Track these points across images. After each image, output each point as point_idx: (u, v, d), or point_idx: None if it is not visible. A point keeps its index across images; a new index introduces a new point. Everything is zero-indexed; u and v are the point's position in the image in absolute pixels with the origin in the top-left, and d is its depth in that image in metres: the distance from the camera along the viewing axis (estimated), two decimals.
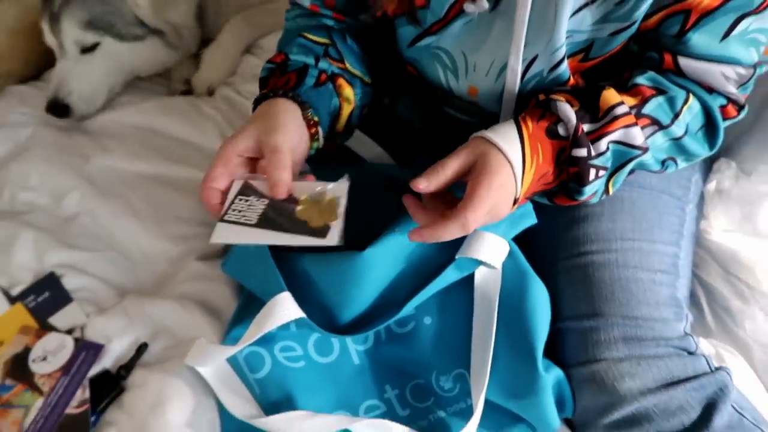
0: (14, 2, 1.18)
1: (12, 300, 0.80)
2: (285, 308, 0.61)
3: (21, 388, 0.71)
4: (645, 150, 0.58)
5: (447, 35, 0.65)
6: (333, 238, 0.54)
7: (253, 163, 0.61)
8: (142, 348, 0.73)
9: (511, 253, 0.65)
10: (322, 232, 0.55)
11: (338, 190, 0.59)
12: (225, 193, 0.60)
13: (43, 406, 0.69)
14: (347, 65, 0.70)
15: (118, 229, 0.87)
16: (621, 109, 0.57)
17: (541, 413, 0.62)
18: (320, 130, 0.64)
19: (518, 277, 0.65)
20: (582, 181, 0.57)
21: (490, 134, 0.55)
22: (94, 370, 0.72)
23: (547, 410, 0.61)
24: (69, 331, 0.75)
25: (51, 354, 0.73)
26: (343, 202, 0.58)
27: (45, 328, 0.76)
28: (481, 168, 0.53)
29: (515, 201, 0.57)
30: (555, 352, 0.65)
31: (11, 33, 1.16)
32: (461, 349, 0.66)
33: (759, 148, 0.79)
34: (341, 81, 0.68)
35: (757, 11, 0.54)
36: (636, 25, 0.58)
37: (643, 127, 0.58)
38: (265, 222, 0.55)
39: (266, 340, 0.67)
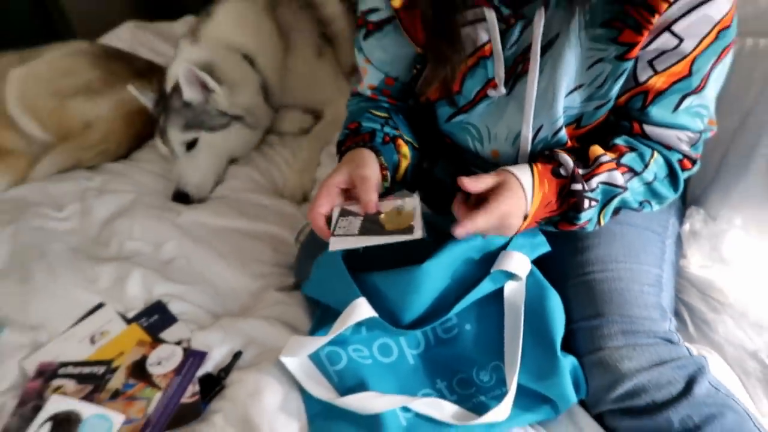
0: (110, 97, 1.45)
1: (128, 321, 0.99)
2: (361, 310, 0.80)
3: (142, 385, 0.89)
4: (625, 189, 0.79)
5: (474, 113, 0.88)
6: (418, 232, 0.74)
7: (346, 193, 0.82)
8: (237, 355, 0.91)
9: (532, 272, 0.85)
10: (409, 230, 0.74)
11: (411, 202, 0.79)
12: (327, 216, 0.80)
13: (162, 398, 0.86)
14: (402, 133, 0.93)
15: (209, 269, 1.07)
16: (605, 158, 0.79)
17: (562, 390, 0.79)
18: (388, 174, 0.86)
19: (538, 289, 0.85)
20: (578, 208, 0.78)
21: (511, 168, 0.78)
22: (200, 373, 0.89)
23: (566, 387, 0.78)
24: (177, 343, 0.94)
25: (164, 360, 0.91)
26: (418, 209, 0.78)
27: (157, 341, 0.95)
28: (501, 186, 0.75)
29: (525, 217, 0.78)
30: (569, 346, 0.83)
31: (108, 121, 1.43)
32: (496, 346, 0.84)
33: (720, 197, 1.01)
34: (400, 141, 0.91)
35: (695, 92, 0.78)
36: (612, 102, 0.81)
37: (622, 173, 0.80)
38: (364, 231, 0.75)
39: (340, 343, 0.85)
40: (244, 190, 1.27)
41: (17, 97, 1.41)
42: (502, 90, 0.82)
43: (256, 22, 1.41)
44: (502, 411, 0.78)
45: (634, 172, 0.81)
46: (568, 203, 0.80)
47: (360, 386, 0.82)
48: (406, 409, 0.81)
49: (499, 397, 0.81)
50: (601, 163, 0.79)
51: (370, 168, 0.80)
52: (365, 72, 0.95)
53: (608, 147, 0.82)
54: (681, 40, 0.72)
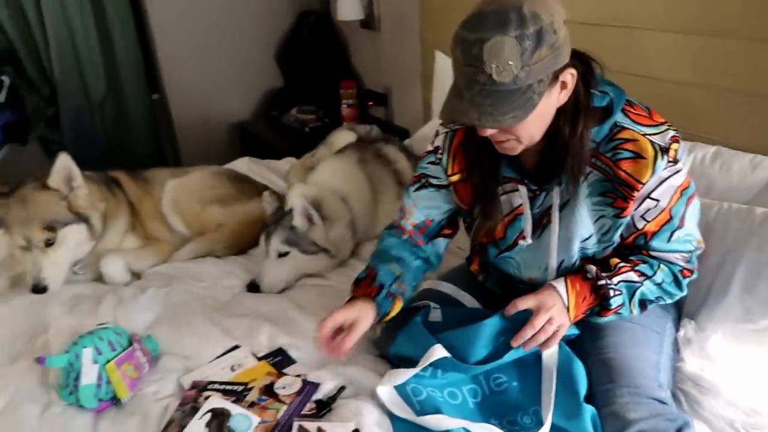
0: (239, 208, 1.90)
1: (258, 359, 1.32)
2: (438, 351, 1.14)
3: (271, 401, 1.20)
4: (641, 283, 1.15)
5: (514, 252, 1.26)
6: None
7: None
8: (342, 389, 1.22)
9: (563, 346, 1.18)
10: None
11: None
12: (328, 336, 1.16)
13: (287, 410, 1.17)
14: (405, 290, 1.27)
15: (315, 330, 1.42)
16: (622, 265, 1.16)
17: (584, 427, 1.07)
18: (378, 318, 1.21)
19: (569, 359, 1.17)
20: (607, 297, 1.13)
21: (550, 281, 1.16)
22: (314, 398, 1.20)
23: (588, 426, 1.07)
24: (297, 376, 1.26)
25: (288, 386, 1.23)
26: None
27: (281, 374, 1.27)
28: (542, 296, 1.13)
29: (568, 310, 1.13)
30: (590, 403, 1.13)
31: (236, 225, 1.87)
32: (535, 397, 1.15)
33: (708, 314, 1.32)
34: (398, 301, 1.25)
35: (679, 228, 1.15)
36: (616, 243, 1.19)
37: (637, 276, 1.15)
38: None
39: (421, 386, 1.17)
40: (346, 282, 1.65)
41: (170, 200, 1.87)
42: (529, 241, 1.22)
43: (350, 171, 1.84)
44: None
45: (646, 276, 1.17)
46: (599, 295, 1.16)
47: (435, 412, 1.12)
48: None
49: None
50: (620, 268, 1.17)
51: (364, 320, 1.18)
52: (410, 213, 1.32)
53: (625, 260, 1.19)
54: (658, 201, 1.11)
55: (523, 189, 1.19)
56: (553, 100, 1.03)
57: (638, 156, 1.07)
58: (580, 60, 1.07)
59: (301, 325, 1.44)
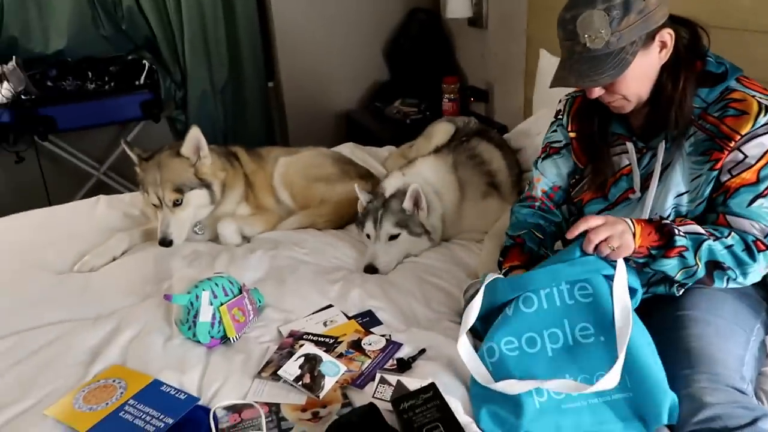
0: (341, 187, 2.05)
1: (348, 318, 1.45)
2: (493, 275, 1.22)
3: (358, 354, 1.32)
4: (709, 236, 1.14)
5: (615, 210, 1.31)
6: None
7: None
8: (422, 351, 1.32)
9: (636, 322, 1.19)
10: None
11: None
12: None
13: (371, 363, 1.29)
14: (548, 252, 1.38)
15: (403, 298, 1.53)
16: (689, 221, 1.18)
17: (659, 410, 1.09)
18: None
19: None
20: (672, 233, 1.14)
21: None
22: (396, 356, 1.31)
23: (663, 408, 1.09)
24: (382, 335, 1.37)
25: (373, 343, 1.35)
26: None
27: (368, 332, 1.39)
28: (610, 217, 1.15)
29: (634, 236, 1.14)
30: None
31: (337, 202, 2.02)
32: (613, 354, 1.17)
33: None
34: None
35: (762, 195, 1.15)
36: (706, 200, 1.20)
37: (708, 234, 1.15)
38: None
39: (497, 339, 1.22)
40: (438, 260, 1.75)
41: (281, 175, 2.06)
42: (638, 194, 1.27)
43: (444, 174, 1.92)
44: (611, 378, 1.08)
45: (715, 237, 1.17)
46: (664, 233, 1.16)
47: (507, 375, 1.18)
48: (539, 394, 1.15)
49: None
50: (685, 221, 1.19)
51: None
52: (538, 181, 1.47)
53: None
54: (746, 156, 1.15)
55: (630, 145, 1.29)
56: (653, 59, 1.17)
57: (743, 113, 1.16)
58: (685, 25, 1.21)
59: (389, 291, 1.56)
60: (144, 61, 3.03)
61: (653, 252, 1.18)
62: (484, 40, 2.93)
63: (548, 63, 2.40)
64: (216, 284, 1.40)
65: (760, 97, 1.16)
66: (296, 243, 1.82)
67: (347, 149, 2.53)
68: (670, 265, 1.18)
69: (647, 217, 1.26)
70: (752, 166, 1.16)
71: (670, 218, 1.25)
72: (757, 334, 1.28)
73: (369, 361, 1.30)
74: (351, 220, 2.00)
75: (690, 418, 1.09)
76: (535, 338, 1.21)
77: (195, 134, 1.80)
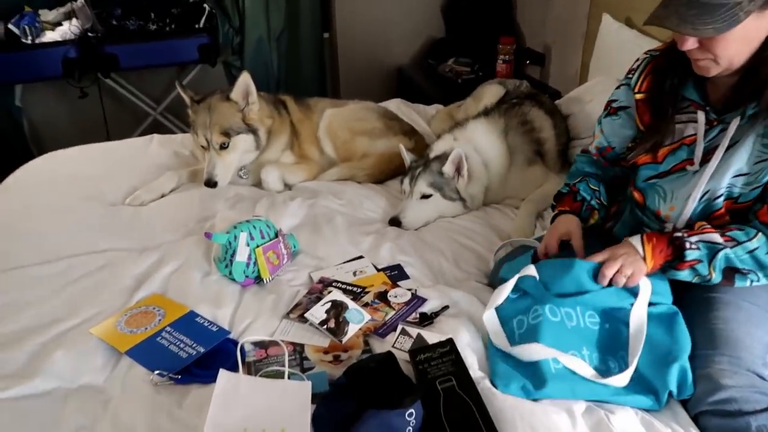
0: (384, 142, 2.07)
1: (378, 270, 1.49)
2: (530, 270, 1.24)
3: (383, 305, 1.36)
4: (724, 246, 1.12)
5: (667, 180, 1.28)
6: None
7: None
8: (445, 308, 1.35)
9: (677, 315, 1.20)
10: None
11: None
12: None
13: (395, 315, 1.33)
14: (602, 201, 1.39)
15: (432, 256, 1.56)
16: (707, 227, 1.15)
17: (666, 382, 1.10)
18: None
19: (671, 319, 1.19)
20: (683, 248, 1.13)
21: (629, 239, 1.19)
22: (420, 310, 1.35)
23: (671, 384, 1.10)
24: (408, 290, 1.41)
25: (399, 296, 1.39)
26: None
27: (395, 285, 1.43)
28: (613, 248, 1.18)
29: (645, 260, 1.15)
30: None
31: (379, 156, 2.04)
32: (624, 342, 1.18)
33: None
34: (595, 213, 1.38)
35: None
36: (762, 186, 1.16)
37: (723, 239, 1.13)
38: None
39: (524, 311, 1.25)
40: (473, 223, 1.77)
41: (326, 126, 2.09)
42: (697, 167, 1.23)
43: (494, 140, 1.89)
44: (622, 379, 1.11)
45: (736, 241, 1.14)
46: (675, 246, 1.16)
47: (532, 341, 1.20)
48: (556, 362, 1.17)
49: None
50: (703, 229, 1.16)
51: (576, 234, 1.32)
52: (596, 137, 1.46)
53: (719, 226, 1.18)
54: None
55: (701, 115, 1.22)
56: (763, 25, 1.07)
57: None
58: None
59: (420, 248, 1.59)
60: (204, 5, 3.07)
61: (665, 271, 1.20)
62: (548, 1, 2.83)
63: (610, 28, 2.31)
64: (254, 227, 1.46)
65: None
66: (335, 194, 1.86)
67: (394, 105, 2.52)
68: (682, 275, 1.19)
69: (701, 191, 1.22)
70: None
71: (722, 198, 1.21)
72: None
73: (393, 312, 1.34)
74: (391, 176, 2.03)
75: (705, 398, 1.09)
76: (556, 310, 1.22)
77: (245, 80, 1.84)
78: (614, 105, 1.41)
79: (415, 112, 2.52)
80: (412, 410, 0.96)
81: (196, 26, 3.06)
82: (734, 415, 1.05)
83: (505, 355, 1.21)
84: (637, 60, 1.38)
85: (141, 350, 1.21)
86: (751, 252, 1.15)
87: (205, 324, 1.28)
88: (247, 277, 1.43)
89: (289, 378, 1.12)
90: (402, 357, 1.17)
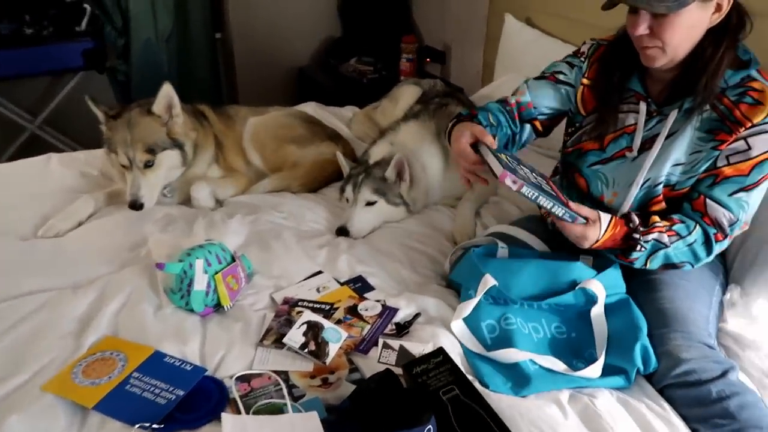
0: (313, 149, 2.03)
1: (341, 284, 1.47)
2: (488, 280, 1.29)
3: (356, 320, 1.35)
4: (667, 246, 1.26)
5: (609, 166, 1.38)
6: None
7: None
8: (417, 315, 1.37)
9: (628, 301, 1.31)
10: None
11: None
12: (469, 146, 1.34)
13: (371, 328, 1.32)
14: (496, 139, 1.39)
15: (390, 263, 1.57)
16: (659, 224, 1.27)
17: (634, 363, 1.21)
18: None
19: (624, 305, 1.31)
20: (633, 249, 1.26)
21: (602, 213, 1.26)
22: (393, 320, 1.35)
23: (638, 362, 1.21)
24: (377, 301, 1.40)
25: (370, 309, 1.38)
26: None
27: (362, 298, 1.42)
28: (589, 230, 1.24)
29: (597, 241, 1.25)
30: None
31: (310, 164, 2.00)
32: (590, 341, 1.28)
33: (753, 279, 1.44)
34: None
35: (746, 189, 1.25)
36: (697, 176, 1.28)
37: (669, 236, 1.26)
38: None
39: (495, 316, 1.31)
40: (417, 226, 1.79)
41: (251, 135, 2.00)
42: (635, 154, 1.34)
43: (430, 143, 1.91)
44: (594, 370, 1.21)
45: (679, 236, 1.28)
46: (627, 244, 1.28)
47: (506, 346, 1.26)
48: (533, 363, 1.24)
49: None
50: (656, 226, 1.28)
51: (479, 130, 1.35)
52: (521, 93, 1.51)
53: (665, 218, 1.31)
54: (749, 148, 1.22)
55: (643, 105, 1.33)
56: (705, 16, 1.18)
57: (758, 102, 1.21)
58: (736, 6, 1.21)
59: (376, 257, 1.59)
60: (85, 5, 2.80)
61: (607, 252, 1.32)
62: (444, 0, 2.92)
63: (513, 28, 2.45)
64: (209, 252, 1.37)
65: None
66: (274, 207, 1.80)
67: (311, 109, 2.48)
68: (619, 262, 1.34)
69: (643, 179, 1.32)
70: (750, 158, 1.23)
71: (662, 185, 1.32)
72: (717, 294, 1.42)
73: (368, 326, 1.33)
74: (324, 183, 2.00)
75: (668, 373, 1.21)
76: (531, 314, 1.33)
77: (168, 91, 1.71)
78: (559, 76, 1.48)
79: (332, 115, 2.50)
80: (429, 426, 0.97)
81: (77, 29, 2.78)
82: (695, 384, 1.17)
83: (484, 357, 1.27)
84: (584, 44, 1.48)
85: (111, 403, 1.09)
86: (690, 245, 1.29)
87: (176, 363, 1.19)
88: (206, 306, 1.34)
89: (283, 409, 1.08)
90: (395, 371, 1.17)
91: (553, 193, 1.24)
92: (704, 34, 1.21)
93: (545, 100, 1.49)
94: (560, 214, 1.22)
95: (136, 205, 1.69)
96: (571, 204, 1.25)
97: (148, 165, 1.70)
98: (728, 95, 1.24)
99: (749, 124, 1.21)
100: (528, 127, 1.52)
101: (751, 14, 1.23)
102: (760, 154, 1.22)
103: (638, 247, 1.27)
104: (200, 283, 1.33)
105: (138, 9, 2.95)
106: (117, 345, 1.23)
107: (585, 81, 1.43)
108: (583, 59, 1.46)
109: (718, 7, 1.18)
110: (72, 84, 2.95)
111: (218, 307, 1.36)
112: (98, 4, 2.88)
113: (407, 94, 2.33)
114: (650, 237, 1.27)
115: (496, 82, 2.48)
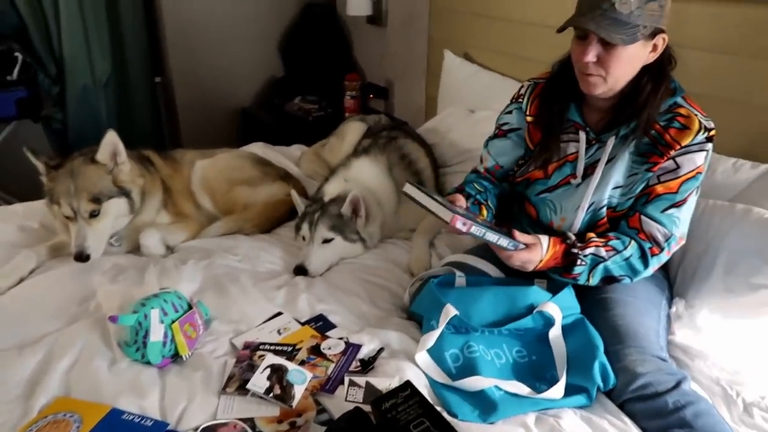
0: (264, 189, 2.02)
1: (301, 324, 1.45)
2: (451, 310, 1.31)
3: (320, 359, 1.34)
4: (606, 260, 1.33)
5: (555, 194, 1.45)
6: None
7: None
8: (381, 350, 1.37)
9: (584, 321, 1.36)
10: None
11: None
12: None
13: (335, 367, 1.31)
14: (489, 203, 1.51)
15: (349, 299, 1.56)
16: (595, 239, 1.35)
17: (594, 381, 1.25)
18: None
19: (580, 325, 1.35)
20: (574, 264, 1.32)
21: (541, 236, 1.33)
22: (358, 357, 1.35)
23: (597, 380, 1.25)
24: (340, 339, 1.40)
25: (333, 347, 1.37)
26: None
27: (325, 337, 1.41)
28: (531, 254, 1.31)
29: (541, 261, 1.32)
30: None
31: (262, 205, 1.99)
32: (551, 364, 1.32)
33: (694, 293, 1.52)
34: (482, 208, 1.49)
35: (677, 205, 1.34)
36: (635, 196, 1.37)
37: (606, 251, 1.34)
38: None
39: (458, 345, 1.32)
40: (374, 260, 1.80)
41: (200, 179, 1.98)
42: (579, 180, 1.41)
43: (383, 178, 1.96)
44: (556, 391, 1.24)
45: (616, 251, 1.35)
46: (568, 260, 1.34)
47: (471, 374, 1.28)
48: (498, 389, 1.26)
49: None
50: (592, 241, 1.35)
51: (457, 197, 1.43)
52: (486, 159, 1.61)
53: (602, 235, 1.39)
54: (677, 167, 1.32)
55: (582, 135, 1.42)
56: (644, 54, 1.29)
57: (685, 127, 1.32)
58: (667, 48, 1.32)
59: (335, 294, 1.59)
60: (16, 54, 2.72)
61: (551, 272, 1.38)
62: (384, 38, 3.00)
63: (453, 63, 2.54)
64: (165, 301, 1.34)
65: (701, 118, 1.32)
66: (227, 250, 1.77)
67: (259, 149, 2.48)
68: (564, 281, 1.40)
69: (588, 202, 1.40)
70: (679, 177, 1.33)
71: (605, 208, 1.40)
72: (664, 308, 1.49)
73: (333, 365, 1.32)
74: (278, 223, 1.99)
75: (626, 387, 1.25)
76: (487, 352, 1.35)
77: (112, 139, 1.67)
78: (504, 128, 1.58)
79: (280, 155, 2.50)
80: None
81: (8, 78, 2.69)
82: (653, 397, 1.22)
83: (450, 386, 1.28)
84: (522, 86, 1.57)
85: None
86: (626, 259, 1.36)
87: (136, 420, 1.14)
88: (164, 357, 1.30)
89: None
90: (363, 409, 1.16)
91: (488, 225, 1.30)
92: (643, 71, 1.32)
93: (506, 156, 1.59)
94: (505, 245, 1.29)
95: (82, 257, 1.63)
96: (517, 234, 1.33)
97: (94, 215, 1.65)
98: (658, 121, 1.34)
99: (678, 147, 1.31)
100: (505, 185, 1.63)
101: (672, 45, 1.33)
102: (687, 173, 1.33)
103: (579, 261, 1.33)
104: (156, 333, 1.29)
105: (73, 55, 2.89)
106: (70, 405, 1.17)
107: (528, 118, 1.51)
108: (521, 100, 1.55)
109: (655, 47, 1.29)
110: (5, 134, 2.84)
111: (176, 357, 1.32)
112: (30, 52, 2.81)
113: (353, 130, 2.37)
114: (588, 251, 1.34)
115: (440, 115, 2.55)
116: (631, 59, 1.27)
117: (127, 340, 1.31)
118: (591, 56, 1.27)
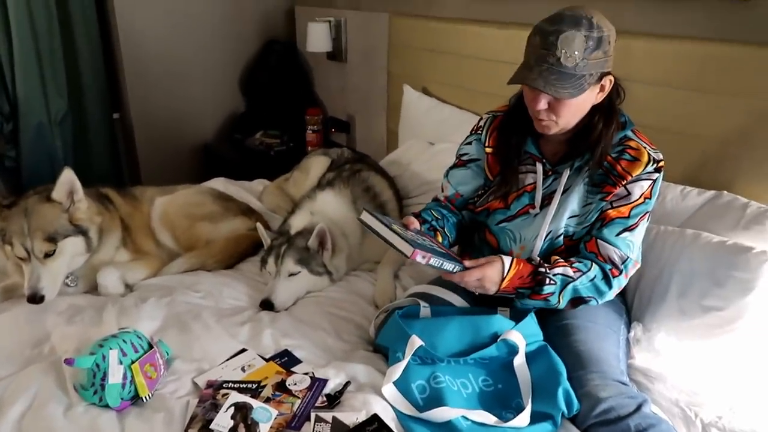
0: (226, 225, 2.01)
1: (266, 360, 1.43)
2: (414, 341, 1.32)
3: (285, 396, 1.32)
4: (574, 279, 1.37)
5: (514, 223, 1.49)
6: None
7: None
8: (347, 384, 1.36)
9: (546, 348, 1.38)
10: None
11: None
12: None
13: (301, 403, 1.29)
14: (445, 230, 1.53)
15: (314, 333, 1.55)
16: (561, 260, 1.39)
17: (558, 408, 1.26)
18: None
19: (543, 353, 1.37)
20: (542, 283, 1.35)
21: (503, 256, 1.36)
22: (324, 392, 1.33)
23: (561, 406, 1.26)
24: (305, 374, 1.38)
25: (298, 383, 1.35)
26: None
27: (290, 372, 1.39)
28: (488, 270, 1.33)
29: (503, 279, 1.34)
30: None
31: (224, 240, 1.97)
32: (516, 392, 1.33)
33: (651, 317, 1.57)
34: (438, 233, 1.51)
35: (629, 229, 1.40)
36: (589, 224, 1.42)
37: (573, 272, 1.38)
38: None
39: (424, 376, 1.33)
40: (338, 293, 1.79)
41: (160, 215, 1.95)
42: (538, 210, 1.46)
43: (347, 210, 1.97)
44: (522, 419, 1.25)
45: (581, 272, 1.40)
46: (536, 280, 1.37)
47: (438, 405, 1.28)
48: (465, 419, 1.26)
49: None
50: (559, 261, 1.40)
51: (411, 219, 1.43)
52: (445, 188, 1.64)
53: (566, 259, 1.43)
54: (629, 193, 1.38)
55: (539, 166, 1.47)
56: (592, 97, 1.34)
57: (636, 159, 1.38)
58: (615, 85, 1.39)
59: (300, 328, 1.58)
60: None
61: (520, 291, 1.39)
62: (344, 73, 3.06)
63: (412, 97, 2.60)
64: (124, 341, 1.30)
65: (650, 150, 1.39)
66: (189, 286, 1.75)
67: (219, 184, 2.47)
68: (533, 303, 1.41)
69: (546, 231, 1.44)
70: (630, 203, 1.39)
71: (562, 236, 1.45)
72: (623, 333, 1.53)
73: (298, 401, 1.30)
74: (241, 258, 1.97)
75: (590, 413, 1.27)
76: (453, 382, 1.36)
77: (69, 176, 1.64)
78: (464, 158, 1.62)
79: (242, 189, 2.49)
80: None
81: None
82: (615, 421, 1.24)
83: (418, 418, 1.27)
84: (481, 119, 1.61)
85: None
86: (591, 280, 1.40)
87: None
88: (123, 399, 1.26)
89: None
90: None
91: (436, 246, 1.34)
92: (594, 111, 1.38)
93: (466, 186, 1.62)
94: (450, 269, 1.31)
95: (36, 299, 1.57)
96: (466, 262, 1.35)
97: (49, 255, 1.61)
98: (610, 153, 1.40)
99: (629, 177, 1.37)
100: (467, 213, 1.65)
101: (620, 79, 1.40)
102: (636, 199, 1.39)
103: (548, 281, 1.36)
104: (115, 375, 1.25)
105: (27, 93, 2.85)
106: None
107: (488, 150, 1.56)
108: (480, 132, 1.59)
109: (602, 88, 1.35)
110: None
111: (136, 398, 1.28)
112: None
113: (317, 164, 2.38)
114: (557, 270, 1.37)
115: (402, 147, 2.59)
116: (580, 105, 1.33)
117: (83, 383, 1.26)
118: (542, 104, 1.32)
